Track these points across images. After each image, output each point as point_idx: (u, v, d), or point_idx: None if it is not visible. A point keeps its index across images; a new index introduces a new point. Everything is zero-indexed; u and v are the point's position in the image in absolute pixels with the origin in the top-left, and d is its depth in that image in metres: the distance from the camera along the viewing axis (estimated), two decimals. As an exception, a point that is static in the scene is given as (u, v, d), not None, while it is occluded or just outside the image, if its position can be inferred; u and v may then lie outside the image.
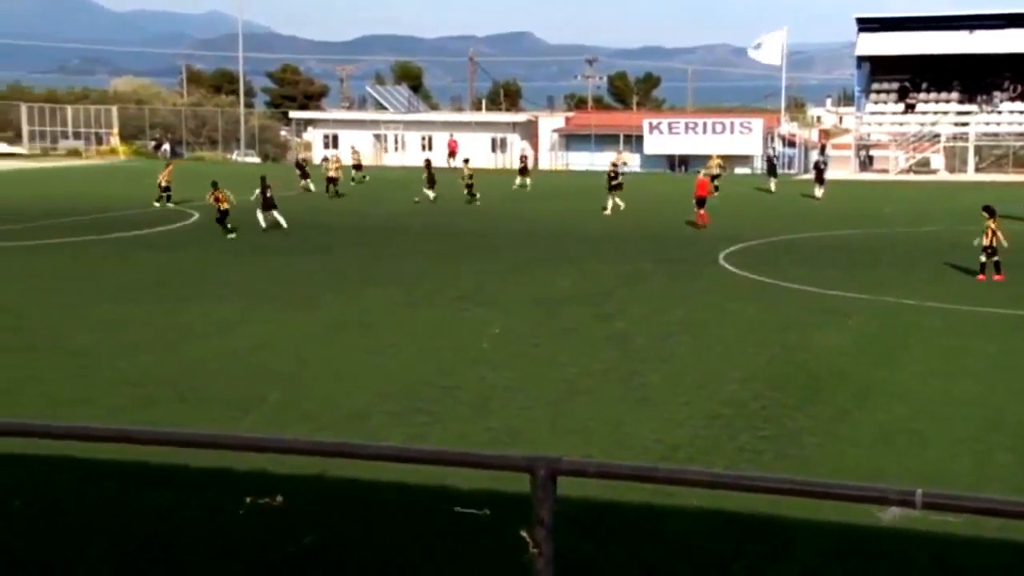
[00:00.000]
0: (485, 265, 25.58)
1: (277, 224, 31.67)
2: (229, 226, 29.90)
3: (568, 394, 13.73)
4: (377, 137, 78.70)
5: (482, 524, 7.75)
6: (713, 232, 32.07)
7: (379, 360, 15.55)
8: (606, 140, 71.82)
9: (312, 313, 19.30)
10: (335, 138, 79.98)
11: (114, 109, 79.73)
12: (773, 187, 49.24)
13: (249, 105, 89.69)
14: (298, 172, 48.80)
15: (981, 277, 22.92)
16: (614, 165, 40.96)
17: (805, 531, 8.44)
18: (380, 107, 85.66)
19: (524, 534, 3.36)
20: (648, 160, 68.17)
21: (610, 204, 38.18)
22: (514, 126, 77.05)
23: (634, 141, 71.12)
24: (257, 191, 32.08)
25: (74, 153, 74.16)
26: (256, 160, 79.76)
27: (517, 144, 75.16)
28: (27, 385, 13.63)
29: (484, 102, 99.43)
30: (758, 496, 3.68)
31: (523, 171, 52.60)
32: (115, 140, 77.71)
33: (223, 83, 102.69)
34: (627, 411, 12.94)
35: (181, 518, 8.33)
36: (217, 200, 30.21)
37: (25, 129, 78.67)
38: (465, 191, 41.68)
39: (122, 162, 69.79)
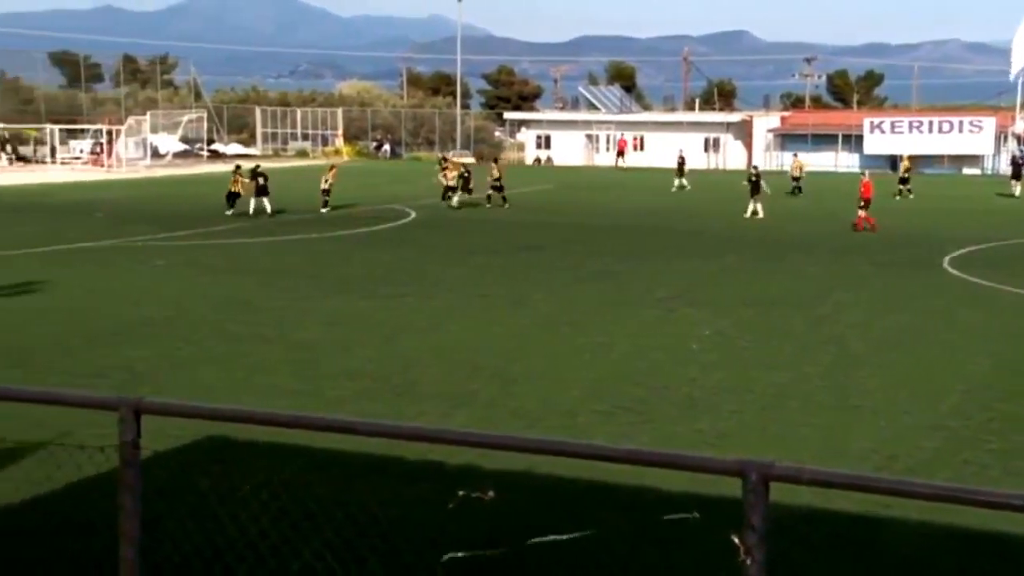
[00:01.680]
0: (695, 265, 25.33)
1: (263, 209, 35.05)
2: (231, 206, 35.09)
3: (779, 398, 13.44)
4: (589, 137, 78.96)
5: (690, 528, 7.69)
6: (939, 234, 30.74)
7: (588, 358, 15.62)
8: (823, 140, 69.88)
9: (522, 311, 19.55)
10: (547, 139, 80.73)
11: (339, 111, 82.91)
12: (1017, 191, 46.59)
13: (465, 106, 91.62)
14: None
15: None
16: (754, 167, 39.74)
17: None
18: (592, 107, 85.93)
19: (735, 539, 3.32)
20: (867, 160, 65.93)
21: (750, 208, 36.62)
22: (727, 126, 75.90)
23: (853, 141, 68.93)
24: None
25: (302, 154, 77.39)
26: (471, 160, 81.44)
27: (731, 144, 74.04)
28: (256, 375, 14.34)
29: (698, 102, 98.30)
30: (984, 512, 3.52)
31: (680, 171, 52.04)
32: (339, 141, 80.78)
33: (441, 85, 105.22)
34: (841, 418, 12.56)
35: (398, 509, 8.59)
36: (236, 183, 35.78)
37: (259, 131, 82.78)
38: (491, 191, 39.71)
39: (345, 162, 72.50)
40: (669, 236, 31.78)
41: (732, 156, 73.23)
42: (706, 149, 74.16)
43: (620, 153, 72.78)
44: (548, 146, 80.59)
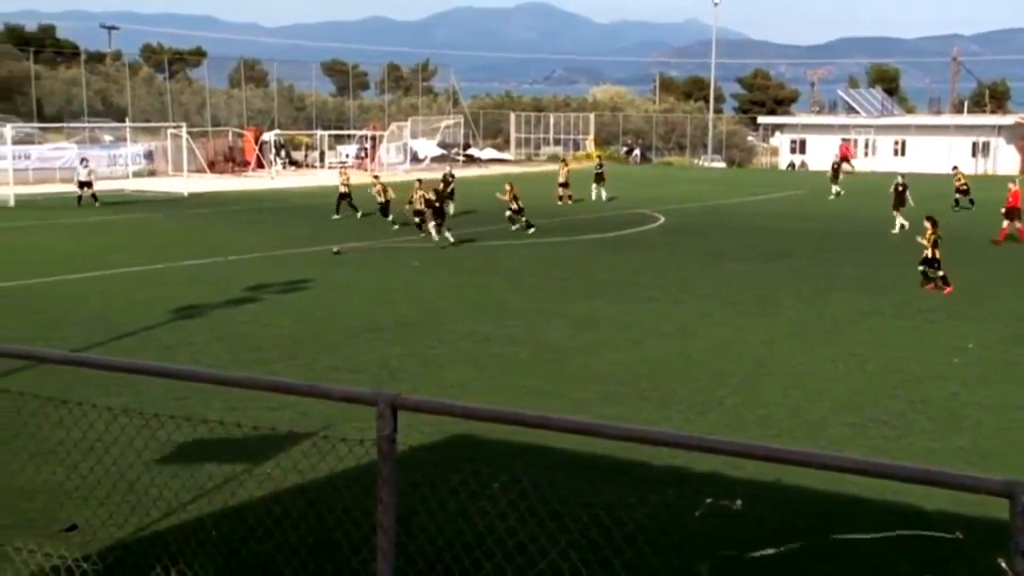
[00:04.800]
0: (956, 275, 24.09)
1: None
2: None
3: (1052, 419, 12.60)
4: (846, 142, 76.45)
5: (951, 548, 7.33)
6: None
7: (840, 369, 15.13)
8: (1108, 143, 65.06)
9: (772, 318, 19.15)
10: (803, 143, 78.73)
11: (591, 116, 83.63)
12: None
13: (718, 111, 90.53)
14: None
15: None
16: (900, 176, 35.89)
17: None
18: (851, 111, 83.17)
19: (1002, 563, 3.15)
20: None
21: (898, 223, 33.59)
22: (999, 129, 71.83)
23: None
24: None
25: (554, 158, 78.53)
26: (722, 165, 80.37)
27: (1003, 149, 70.03)
28: (505, 375, 14.65)
29: (966, 104, 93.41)
30: None
31: (835, 177, 49.17)
32: (590, 145, 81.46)
33: (693, 89, 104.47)
34: (1122, 443, 11.65)
35: (643, 513, 8.59)
36: (383, 191, 34.32)
37: (513, 136, 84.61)
38: (509, 212, 33.15)
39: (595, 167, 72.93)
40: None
41: (1003, 161, 69.26)
42: (974, 154, 70.47)
43: (844, 159, 70.16)
44: (803, 151, 78.61)
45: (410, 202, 30.79)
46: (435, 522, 7.63)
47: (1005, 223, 30.90)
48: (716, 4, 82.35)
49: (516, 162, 76.01)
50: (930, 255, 22.02)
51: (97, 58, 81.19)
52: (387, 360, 15.36)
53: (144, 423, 6.70)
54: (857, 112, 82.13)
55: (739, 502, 8.96)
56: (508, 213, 32.94)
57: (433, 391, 13.16)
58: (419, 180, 31.40)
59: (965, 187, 42.47)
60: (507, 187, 33.20)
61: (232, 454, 9.91)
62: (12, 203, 39.50)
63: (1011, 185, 32.06)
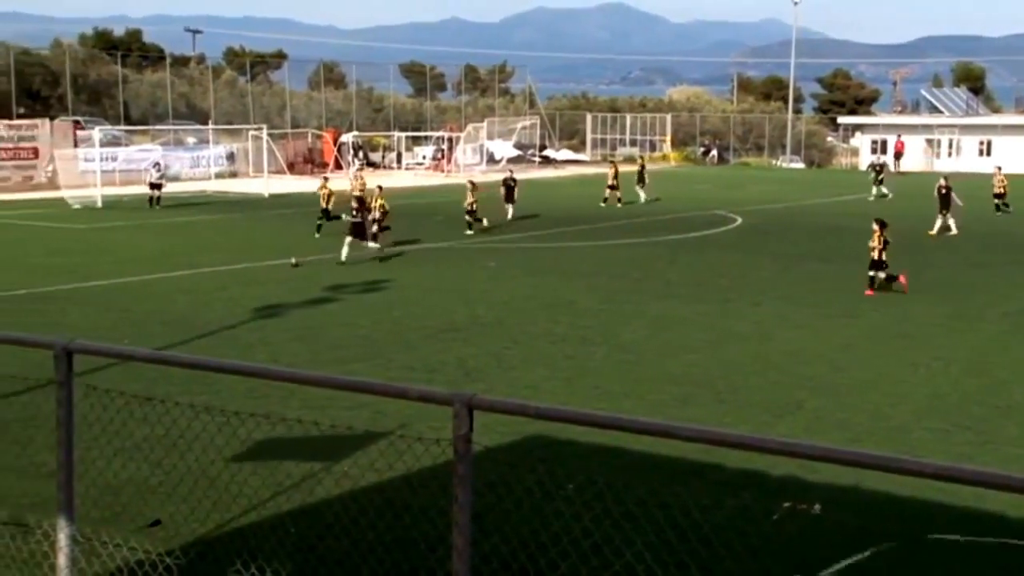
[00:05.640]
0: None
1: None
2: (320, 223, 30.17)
3: None
4: (929, 142, 75.09)
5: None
6: None
7: (923, 374, 14.87)
8: None
9: (852, 321, 18.88)
10: (883, 143, 77.47)
11: (668, 117, 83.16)
12: None
13: (797, 111, 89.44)
14: (873, 175, 48.64)
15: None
16: (944, 178, 33.95)
17: None
18: (934, 111, 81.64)
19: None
20: None
21: (937, 224, 32.41)
22: (1089, 128, 69.98)
23: None
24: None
25: (629, 159, 78.25)
26: (800, 166, 79.39)
27: (1092, 148, 68.24)
28: (579, 376, 14.64)
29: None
30: None
31: (879, 179, 47.91)
32: (667, 146, 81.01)
33: (772, 90, 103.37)
34: None
35: (719, 516, 8.54)
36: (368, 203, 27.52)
37: (589, 137, 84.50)
38: (466, 216, 32.27)
39: (671, 168, 72.58)
40: (1018, 246, 29.70)
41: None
42: (1062, 154, 68.69)
43: (897, 155, 68.74)
44: (884, 151, 77.40)
45: (366, 208, 26.81)
46: (510, 522, 7.66)
47: None
48: (796, 3, 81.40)
49: (592, 163, 75.80)
50: (877, 257, 21.66)
51: (181, 61, 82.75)
52: (463, 360, 15.44)
53: (225, 420, 6.81)
54: (941, 112, 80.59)
55: (818, 506, 8.87)
56: (467, 218, 32.16)
57: (507, 391, 13.20)
58: (379, 187, 28.77)
59: (1002, 190, 40.66)
60: (469, 185, 32.81)
61: (310, 452, 10.05)
62: (99, 204, 40.42)
63: None
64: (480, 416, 4.44)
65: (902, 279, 21.62)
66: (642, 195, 43.73)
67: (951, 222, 32.57)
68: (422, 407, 9.05)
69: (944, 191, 33.04)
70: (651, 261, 26.73)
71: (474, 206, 32.20)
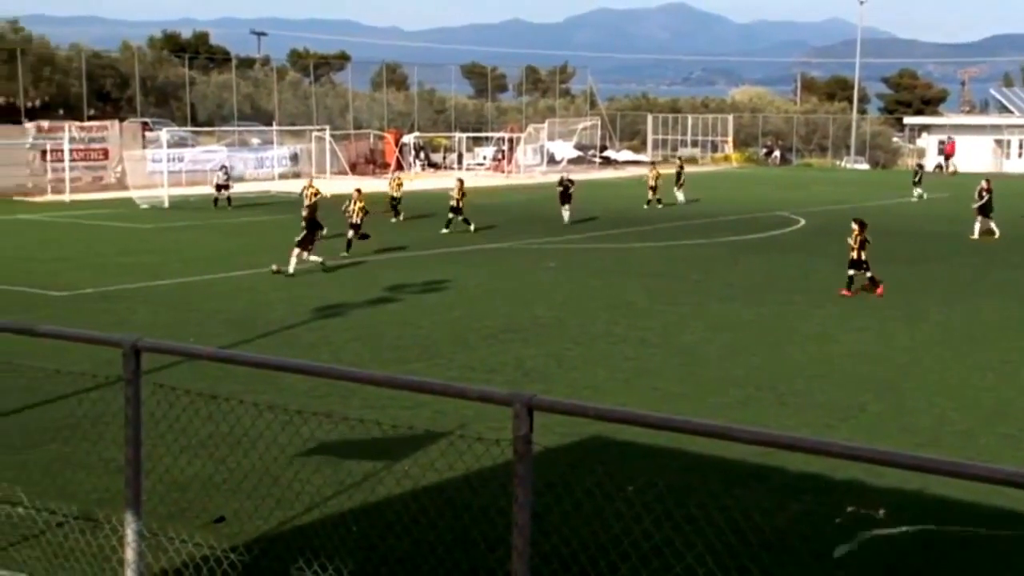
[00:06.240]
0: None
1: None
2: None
3: None
4: (998, 143, 73.81)
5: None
6: None
7: (991, 378, 14.62)
8: None
9: (916, 324, 18.62)
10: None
11: (730, 118, 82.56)
12: None
13: (862, 111, 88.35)
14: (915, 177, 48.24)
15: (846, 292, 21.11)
16: (986, 181, 32.79)
17: None
18: (1004, 111, 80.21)
19: None
20: None
21: (976, 227, 31.54)
22: None
23: None
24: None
25: (691, 160, 77.86)
26: (865, 167, 78.40)
27: None
28: (640, 378, 14.60)
29: None
30: None
31: (918, 180, 47.03)
32: (729, 147, 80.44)
33: (836, 90, 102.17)
34: None
35: (781, 519, 8.47)
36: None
37: (650, 138, 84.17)
38: (450, 214, 32.11)
39: (733, 169, 72.05)
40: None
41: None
42: None
43: (947, 156, 67.54)
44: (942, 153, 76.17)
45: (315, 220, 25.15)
46: (569, 523, 7.67)
47: None
48: (862, 3, 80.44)
49: (652, 164, 75.51)
50: (856, 257, 21.30)
51: (247, 63, 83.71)
52: (522, 360, 15.46)
53: (287, 419, 6.90)
54: (1010, 112, 79.16)
55: (882, 511, 8.76)
56: (450, 215, 31.95)
57: (566, 392, 13.20)
58: (358, 189, 28.01)
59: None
60: (457, 182, 32.66)
61: (371, 451, 10.13)
62: (166, 204, 41.02)
63: None
64: (539, 416, 4.46)
65: (879, 291, 21.31)
66: (680, 197, 43.55)
67: (992, 224, 31.86)
68: (481, 407, 9.10)
69: (985, 193, 32.11)
70: (712, 262, 26.56)
71: (459, 203, 31.90)
